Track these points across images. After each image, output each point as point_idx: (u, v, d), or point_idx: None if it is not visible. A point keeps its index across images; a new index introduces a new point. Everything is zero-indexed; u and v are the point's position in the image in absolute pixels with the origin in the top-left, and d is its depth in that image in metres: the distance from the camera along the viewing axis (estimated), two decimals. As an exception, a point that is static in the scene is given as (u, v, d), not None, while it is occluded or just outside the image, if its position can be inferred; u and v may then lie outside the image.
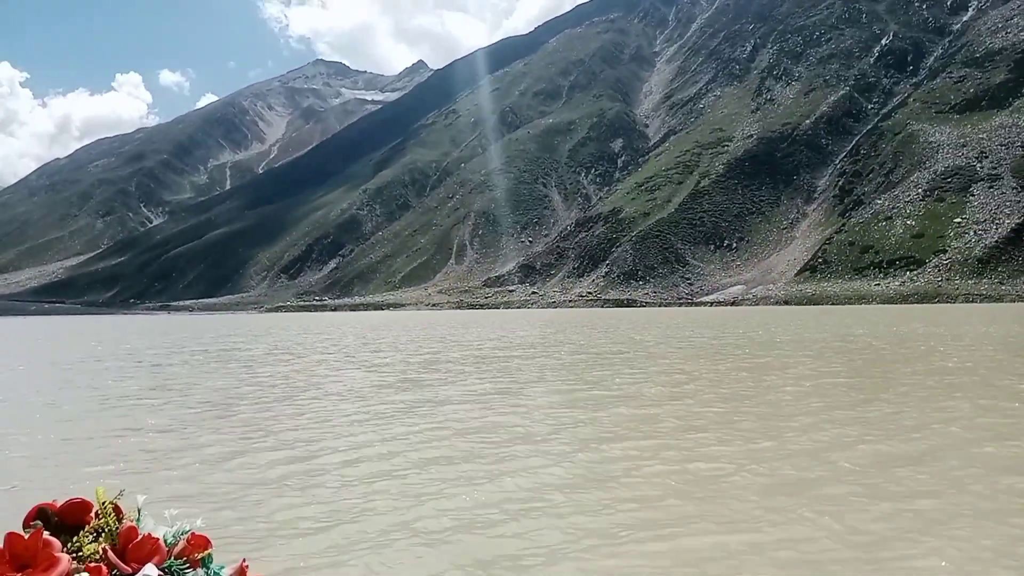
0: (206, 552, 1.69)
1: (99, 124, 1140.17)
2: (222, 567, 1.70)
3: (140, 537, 1.60)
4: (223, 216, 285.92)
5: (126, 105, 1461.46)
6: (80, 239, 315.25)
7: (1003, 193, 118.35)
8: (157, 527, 1.68)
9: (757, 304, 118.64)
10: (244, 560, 1.70)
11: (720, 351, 23.47)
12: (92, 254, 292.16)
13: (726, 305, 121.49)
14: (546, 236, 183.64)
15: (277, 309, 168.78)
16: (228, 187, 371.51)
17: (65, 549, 1.50)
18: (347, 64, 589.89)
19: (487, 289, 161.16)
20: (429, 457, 8.06)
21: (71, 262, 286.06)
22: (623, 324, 51.38)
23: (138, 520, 1.67)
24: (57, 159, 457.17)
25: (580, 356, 22.78)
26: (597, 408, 11.49)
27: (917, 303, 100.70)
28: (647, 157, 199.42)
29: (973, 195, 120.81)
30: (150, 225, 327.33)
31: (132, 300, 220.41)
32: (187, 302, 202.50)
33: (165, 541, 1.64)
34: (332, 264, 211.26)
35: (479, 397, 13.06)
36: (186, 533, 1.70)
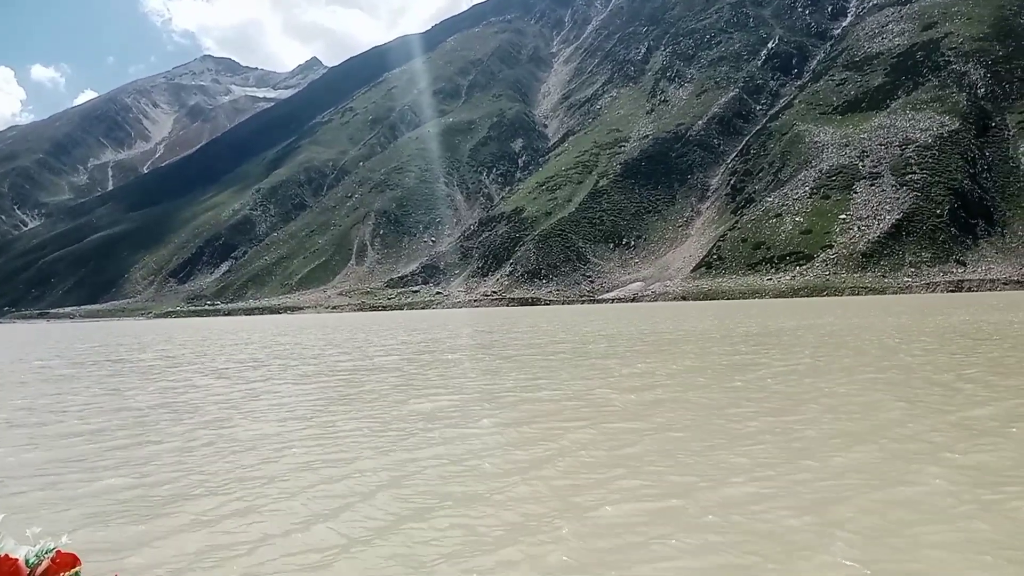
0: (74, 570, 1.58)
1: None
2: None
3: None
4: (105, 218, 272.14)
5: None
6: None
7: (883, 190, 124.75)
8: (17, 547, 1.56)
9: (656, 300, 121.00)
10: (116, 574, 1.75)
11: (690, 349, 23.11)
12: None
13: (626, 302, 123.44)
14: (449, 236, 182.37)
15: (167, 315, 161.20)
16: (110, 188, 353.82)
17: None
18: (237, 60, 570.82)
19: (390, 290, 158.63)
20: (427, 537, 5.53)
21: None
22: (545, 322, 50.98)
23: None
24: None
25: (529, 356, 21.95)
26: (604, 428, 9.42)
27: (807, 296, 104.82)
28: (547, 157, 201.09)
29: (856, 192, 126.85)
30: (25, 228, 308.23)
31: (6, 308, 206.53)
32: (67, 309, 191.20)
33: (26, 562, 1.53)
34: (224, 267, 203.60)
35: (457, 413, 11.04)
36: (51, 552, 1.58)
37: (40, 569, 1.53)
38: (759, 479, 6.68)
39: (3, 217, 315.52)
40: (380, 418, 10.85)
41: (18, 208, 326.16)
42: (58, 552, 1.59)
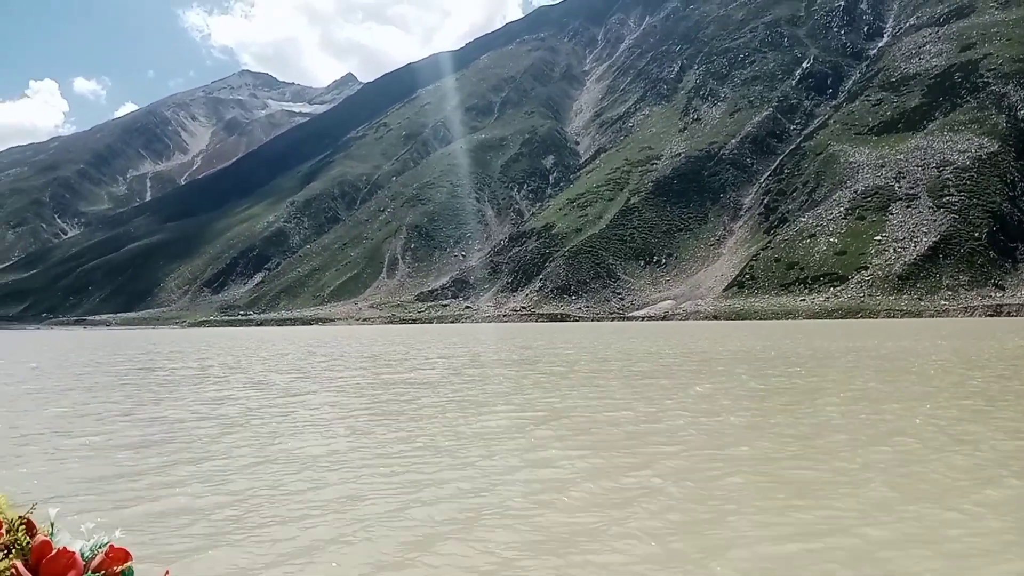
0: (126, 565, 1.62)
1: (12, 132, 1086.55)
2: None
3: (55, 552, 1.53)
4: (142, 228, 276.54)
5: (41, 113, 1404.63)
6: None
7: (920, 212, 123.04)
8: (73, 541, 1.61)
9: (687, 319, 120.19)
10: (168, 571, 1.63)
11: (745, 371, 22.95)
12: (2, 267, 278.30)
13: (657, 320, 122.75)
14: (479, 251, 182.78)
15: (200, 324, 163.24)
16: (148, 198, 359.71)
17: None
18: (274, 76, 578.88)
19: (420, 304, 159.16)
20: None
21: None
22: (579, 338, 50.77)
23: (52, 534, 1.60)
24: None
25: (580, 373, 21.91)
26: (695, 455, 8.72)
27: (841, 318, 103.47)
28: (578, 174, 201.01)
29: (892, 214, 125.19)
30: (65, 237, 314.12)
31: (44, 315, 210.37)
32: (103, 316, 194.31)
33: (82, 555, 1.58)
34: (258, 278, 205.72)
35: (526, 432, 10.61)
36: (104, 546, 1.63)
37: (95, 562, 1.59)
38: (887, 522, 6.09)
39: (44, 225, 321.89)
40: (449, 437, 10.46)
41: (58, 217, 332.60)
42: (111, 546, 1.64)
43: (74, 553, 1.56)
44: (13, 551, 1.51)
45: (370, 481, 7.68)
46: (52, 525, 1.62)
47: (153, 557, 5.46)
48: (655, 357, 27.30)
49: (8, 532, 1.56)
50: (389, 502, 6.85)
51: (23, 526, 1.58)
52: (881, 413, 11.95)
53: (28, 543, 1.54)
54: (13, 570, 1.44)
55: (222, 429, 11.43)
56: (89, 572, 1.59)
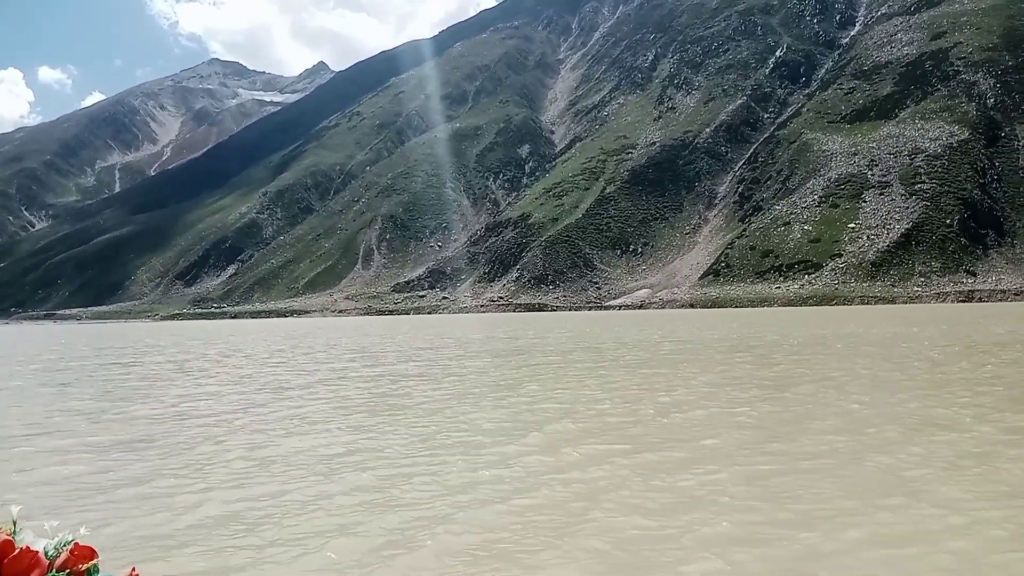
0: (92, 563, 1.60)
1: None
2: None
3: (17, 551, 1.51)
4: (112, 220, 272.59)
5: (5, 103, 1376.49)
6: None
7: (892, 200, 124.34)
8: (37, 540, 1.59)
9: (663, 308, 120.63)
10: (134, 568, 1.61)
11: (743, 359, 22.77)
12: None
13: (634, 308, 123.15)
14: (456, 241, 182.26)
15: (173, 317, 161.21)
16: (117, 190, 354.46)
17: None
18: (244, 64, 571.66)
19: (396, 295, 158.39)
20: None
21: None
22: (560, 328, 50.56)
23: (14, 533, 1.58)
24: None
25: (573, 363, 21.68)
26: (694, 447, 9.06)
27: (816, 305, 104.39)
28: (554, 163, 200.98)
29: (865, 201, 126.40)
30: (32, 229, 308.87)
31: (12, 308, 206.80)
32: (74, 310, 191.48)
33: (45, 554, 1.55)
34: (231, 270, 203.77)
35: (532, 427, 10.40)
36: (69, 544, 1.60)
37: (59, 561, 1.56)
38: (882, 523, 5.73)
39: (10, 218, 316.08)
40: (454, 431, 10.16)
41: (25, 209, 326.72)
42: (76, 544, 1.61)
43: (37, 552, 1.54)
44: None
45: (367, 478, 7.34)
46: (15, 524, 1.60)
47: (123, 556, 5.15)
48: (647, 346, 27.14)
49: None
50: (387, 498, 6.54)
51: None
52: (888, 402, 11.79)
53: None
54: None
55: (204, 427, 11.00)
56: (54, 571, 1.56)
